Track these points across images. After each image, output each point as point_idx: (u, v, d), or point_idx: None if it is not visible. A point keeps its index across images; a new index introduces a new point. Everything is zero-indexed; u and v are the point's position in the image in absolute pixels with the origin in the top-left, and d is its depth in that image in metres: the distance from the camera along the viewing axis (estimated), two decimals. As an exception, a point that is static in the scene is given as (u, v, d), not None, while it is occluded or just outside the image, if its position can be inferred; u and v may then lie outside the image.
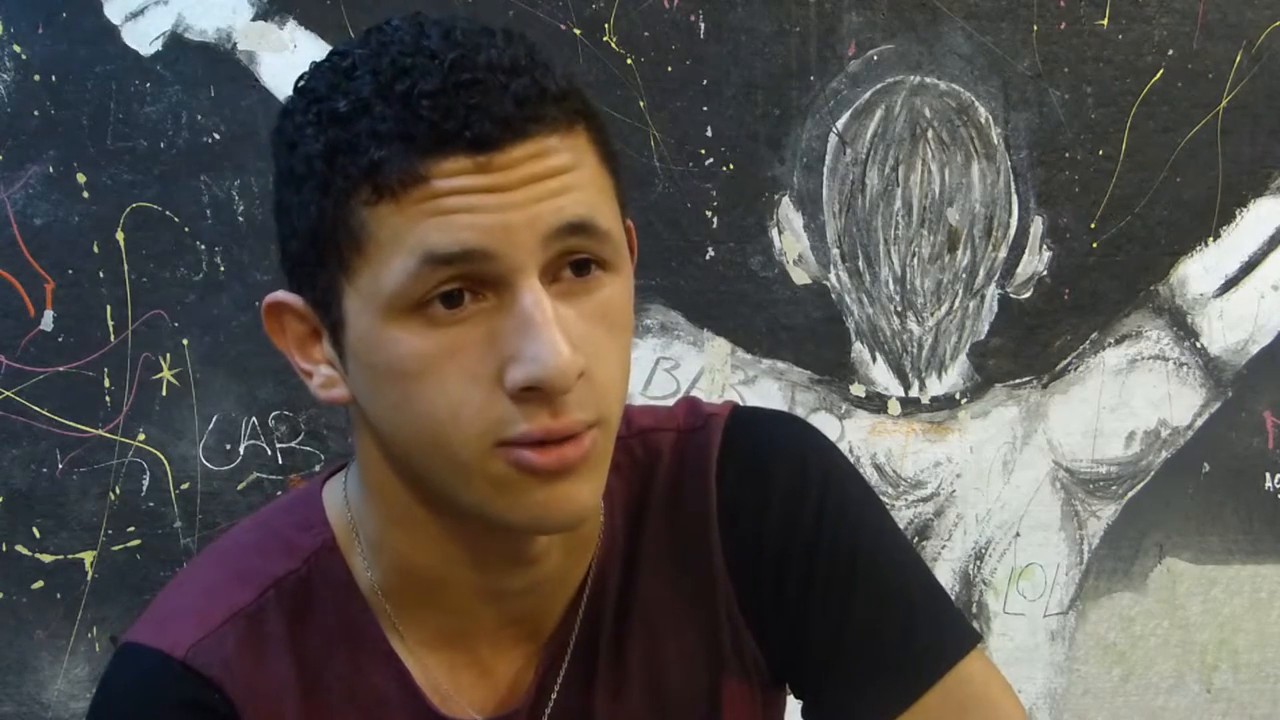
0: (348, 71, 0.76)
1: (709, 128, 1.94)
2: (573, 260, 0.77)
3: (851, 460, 1.98)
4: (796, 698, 0.94)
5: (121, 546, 1.85)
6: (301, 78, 0.80)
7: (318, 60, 0.80)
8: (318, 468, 1.87)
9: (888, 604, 0.90)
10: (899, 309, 2.01)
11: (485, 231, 0.73)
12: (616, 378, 0.79)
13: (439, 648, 0.88)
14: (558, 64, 0.78)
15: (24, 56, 1.80)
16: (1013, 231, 2.03)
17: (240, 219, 1.84)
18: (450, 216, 0.73)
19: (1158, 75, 2.03)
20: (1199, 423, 2.09)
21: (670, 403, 0.98)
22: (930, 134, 2.00)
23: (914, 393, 2.03)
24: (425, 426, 0.77)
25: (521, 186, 0.74)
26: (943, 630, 0.90)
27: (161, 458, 1.85)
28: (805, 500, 0.90)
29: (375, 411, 0.80)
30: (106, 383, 1.83)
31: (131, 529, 1.85)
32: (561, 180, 0.75)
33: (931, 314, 2.02)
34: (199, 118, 1.83)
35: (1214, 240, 2.07)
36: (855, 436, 2.01)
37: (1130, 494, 2.08)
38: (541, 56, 0.77)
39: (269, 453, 1.88)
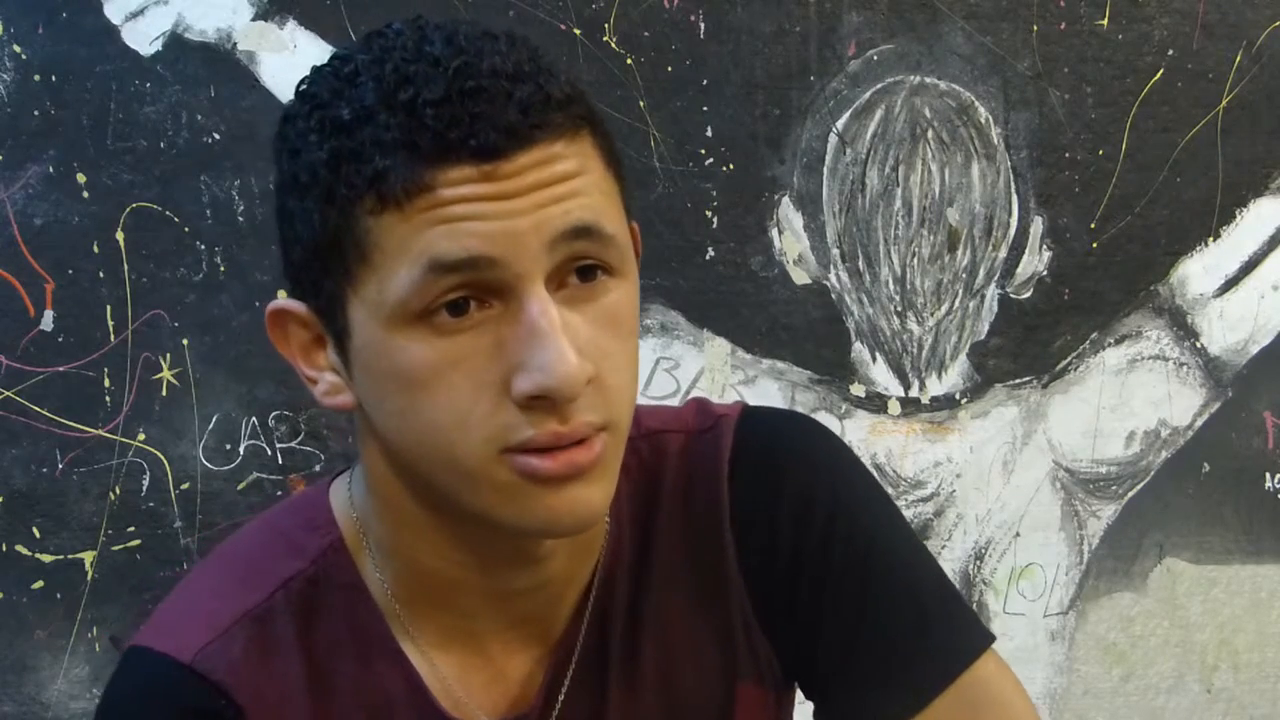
0: (350, 78, 0.76)
1: (709, 128, 1.94)
2: (578, 266, 0.76)
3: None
4: (807, 698, 0.94)
5: (121, 546, 1.85)
6: (303, 82, 0.79)
7: (319, 64, 0.80)
8: (318, 468, 1.87)
9: (901, 605, 0.89)
10: (899, 309, 2.01)
11: (490, 238, 0.73)
12: (625, 382, 0.79)
13: (449, 649, 0.88)
14: (561, 68, 0.78)
15: (24, 56, 1.79)
16: (1013, 231, 2.03)
17: (240, 219, 1.84)
18: (456, 224, 0.73)
19: (1158, 75, 2.03)
20: (1199, 423, 2.09)
21: (670, 402, 0.98)
22: (930, 134, 2.00)
23: (914, 393, 2.03)
24: (431, 435, 0.76)
25: (527, 193, 0.74)
26: (956, 631, 0.90)
27: (161, 458, 1.85)
28: (818, 501, 0.90)
29: (380, 419, 0.80)
30: (106, 383, 1.83)
31: (131, 529, 1.84)
32: (567, 186, 0.75)
33: (931, 314, 2.02)
34: (199, 118, 1.83)
35: (1214, 240, 2.07)
36: (855, 436, 2.01)
37: (1130, 494, 2.09)
38: (545, 61, 0.77)
39: (269, 453, 1.87)
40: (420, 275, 0.73)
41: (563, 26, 1.89)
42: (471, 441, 0.76)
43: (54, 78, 1.80)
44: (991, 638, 0.91)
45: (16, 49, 1.79)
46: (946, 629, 0.90)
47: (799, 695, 0.96)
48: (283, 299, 0.82)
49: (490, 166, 0.73)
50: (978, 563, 2.06)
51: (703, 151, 1.94)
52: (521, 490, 0.76)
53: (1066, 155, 2.02)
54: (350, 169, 0.74)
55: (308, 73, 0.80)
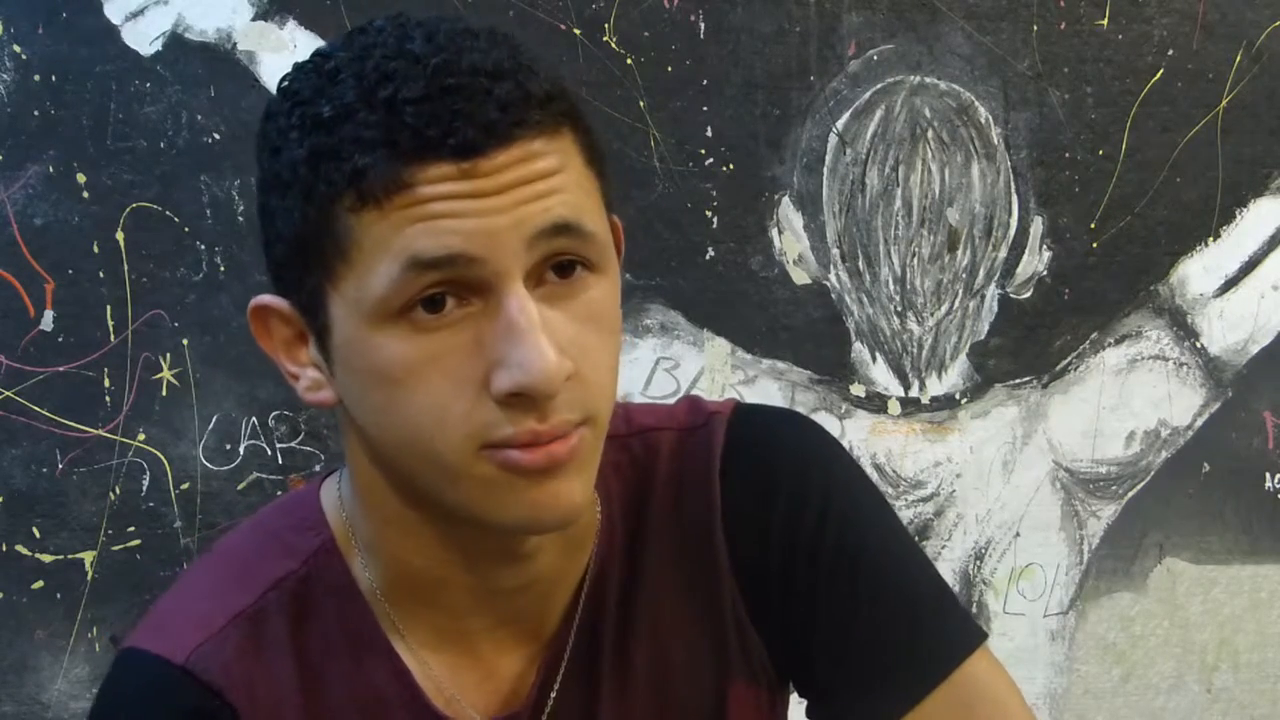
0: (331, 75, 0.76)
1: (709, 128, 1.94)
2: (557, 263, 0.76)
3: (851, 460, 2.00)
4: (801, 697, 0.94)
5: (121, 546, 1.85)
6: (285, 78, 0.79)
7: (301, 61, 0.80)
8: (318, 468, 1.87)
9: (893, 603, 0.89)
10: (899, 309, 2.01)
11: (470, 236, 0.73)
12: (606, 378, 0.79)
13: (440, 648, 0.88)
14: (543, 65, 0.78)
15: (24, 56, 1.80)
16: (1013, 231, 2.03)
17: (240, 219, 1.84)
18: (435, 222, 0.73)
19: (1158, 75, 2.03)
20: (1199, 423, 2.09)
21: (670, 403, 0.98)
22: (930, 134, 2.00)
23: (914, 393, 2.03)
24: (410, 431, 0.77)
25: (506, 191, 0.74)
26: (948, 628, 0.90)
27: (161, 458, 1.85)
28: (810, 499, 0.90)
29: (361, 415, 0.80)
30: (106, 383, 1.83)
31: (131, 529, 1.85)
32: (547, 183, 0.75)
33: (931, 314, 2.02)
34: (199, 118, 1.83)
35: (1214, 240, 2.07)
36: (855, 436, 2.01)
37: (1130, 494, 2.09)
38: (526, 58, 0.77)
39: (269, 453, 1.88)
40: (399, 273, 0.74)
41: (563, 26, 1.89)
42: (451, 438, 0.76)
43: (54, 78, 1.80)
44: (984, 635, 0.91)
45: (16, 49, 1.79)
46: (938, 626, 0.90)
47: (795, 696, 0.97)
48: (265, 295, 0.82)
49: (469, 164, 0.73)
50: (978, 563, 2.06)
51: (703, 151, 1.94)
52: (502, 483, 0.77)
53: (1066, 155, 2.02)
54: (330, 167, 0.74)
55: (289, 69, 0.80)
